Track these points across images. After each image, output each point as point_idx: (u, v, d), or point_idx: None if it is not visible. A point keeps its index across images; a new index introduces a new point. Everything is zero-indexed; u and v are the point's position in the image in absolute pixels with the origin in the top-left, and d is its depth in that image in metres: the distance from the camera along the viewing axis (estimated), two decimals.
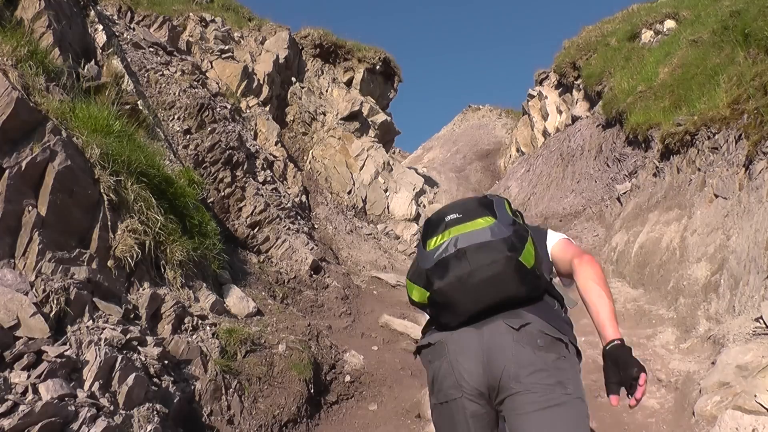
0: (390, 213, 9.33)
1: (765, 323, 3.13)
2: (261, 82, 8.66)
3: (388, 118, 11.25)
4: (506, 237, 1.52)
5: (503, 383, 1.42)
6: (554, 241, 1.76)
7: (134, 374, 2.29)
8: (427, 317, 1.71)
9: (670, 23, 10.08)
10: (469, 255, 1.51)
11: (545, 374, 1.42)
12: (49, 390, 1.89)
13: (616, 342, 1.45)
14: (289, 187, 7.31)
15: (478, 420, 1.48)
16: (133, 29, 6.69)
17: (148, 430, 2.18)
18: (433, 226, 1.64)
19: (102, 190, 2.82)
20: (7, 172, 2.31)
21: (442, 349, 1.53)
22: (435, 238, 1.59)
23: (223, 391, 2.83)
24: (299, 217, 6.63)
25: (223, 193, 5.48)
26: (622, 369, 1.44)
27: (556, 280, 1.74)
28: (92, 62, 4.13)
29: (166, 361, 2.65)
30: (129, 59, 5.55)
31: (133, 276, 2.90)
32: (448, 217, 1.61)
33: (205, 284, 3.56)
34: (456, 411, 1.48)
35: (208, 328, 3.16)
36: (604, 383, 1.48)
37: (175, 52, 6.86)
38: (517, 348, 1.44)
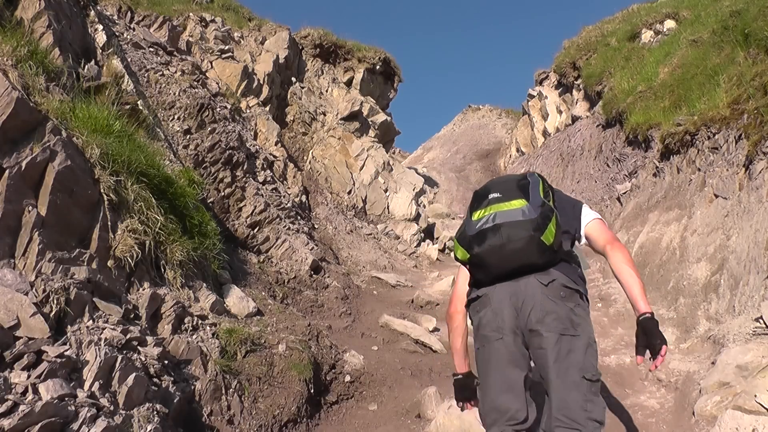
0: (390, 213, 9.33)
1: (765, 323, 3.13)
2: (261, 82, 8.66)
3: (388, 118, 11.25)
4: (533, 218, 1.94)
5: (531, 325, 1.88)
6: (588, 219, 2.14)
7: (134, 374, 2.29)
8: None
9: (670, 23, 10.08)
10: (503, 230, 1.94)
11: (564, 319, 1.88)
12: (49, 390, 1.89)
13: (647, 315, 1.89)
14: (289, 187, 7.31)
15: (512, 355, 1.91)
16: (133, 29, 6.69)
17: (148, 430, 2.18)
18: (479, 199, 2.08)
19: (102, 190, 2.82)
20: (7, 172, 2.31)
21: (487, 300, 1.98)
22: (479, 211, 2.03)
23: (223, 391, 2.83)
24: (299, 217, 6.63)
25: (223, 193, 5.48)
26: (649, 337, 1.87)
27: (579, 245, 2.14)
28: (92, 62, 4.13)
29: (166, 361, 2.65)
30: (129, 59, 5.55)
31: (133, 276, 2.90)
32: (491, 195, 2.05)
33: (205, 284, 3.56)
34: (497, 349, 1.92)
35: (208, 328, 3.16)
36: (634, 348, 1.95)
37: (175, 52, 6.86)
38: (544, 298, 1.89)
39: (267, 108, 8.37)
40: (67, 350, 2.10)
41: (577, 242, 2.12)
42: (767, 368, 2.85)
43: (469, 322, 2.15)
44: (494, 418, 1.93)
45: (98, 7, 5.57)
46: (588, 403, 1.83)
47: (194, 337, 2.99)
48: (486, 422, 1.98)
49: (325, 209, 7.94)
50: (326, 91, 10.55)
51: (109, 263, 2.75)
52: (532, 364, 1.96)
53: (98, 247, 2.70)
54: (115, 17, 6.68)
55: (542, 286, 1.91)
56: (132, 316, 2.73)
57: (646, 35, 10.41)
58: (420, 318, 4.91)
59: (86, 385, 2.10)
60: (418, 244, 8.83)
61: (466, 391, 2.24)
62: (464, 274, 2.21)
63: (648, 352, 1.87)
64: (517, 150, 16.52)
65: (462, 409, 2.28)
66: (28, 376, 1.92)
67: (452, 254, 2.29)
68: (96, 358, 2.18)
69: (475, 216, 2.04)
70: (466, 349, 2.24)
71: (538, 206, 1.98)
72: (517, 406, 1.90)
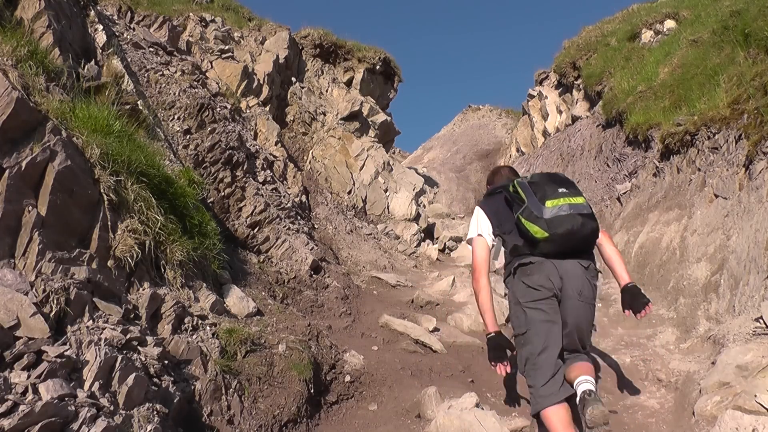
0: (390, 213, 9.33)
1: (765, 323, 3.13)
2: (261, 82, 8.65)
3: (388, 118, 11.25)
4: (592, 213, 2.65)
5: (568, 292, 2.57)
6: None
7: (134, 374, 2.29)
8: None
9: (670, 23, 10.08)
10: (579, 218, 2.55)
11: (592, 294, 2.64)
12: (49, 390, 1.89)
13: (631, 284, 2.72)
14: (289, 187, 7.31)
15: (554, 305, 2.58)
16: (133, 29, 6.69)
17: (148, 430, 2.18)
18: (548, 192, 2.61)
19: (102, 190, 2.82)
20: (7, 172, 2.31)
21: (542, 267, 2.59)
22: (553, 200, 2.57)
23: (223, 391, 2.83)
24: (299, 217, 6.63)
25: (223, 193, 5.48)
26: (635, 299, 2.66)
27: None
28: (92, 62, 4.13)
29: (166, 361, 2.65)
30: (129, 59, 5.55)
31: (133, 276, 2.90)
32: (560, 189, 2.62)
33: (205, 284, 3.56)
34: (545, 303, 2.58)
35: (208, 328, 3.16)
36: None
37: (175, 52, 6.86)
38: (582, 276, 2.60)
39: (267, 108, 8.37)
40: (67, 350, 2.10)
41: None
42: (767, 368, 2.85)
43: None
44: (552, 376, 2.54)
45: (98, 7, 5.57)
46: (592, 339, 2.86)
47: (194, 337, 2.99)
48: (534, 371, 2.58)
49: (325, 209, 7.94)
50: (326, 91, 10.55)
51: (109, 263, 2.75)
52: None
53: (98, 247, 2.70)
54: (115, 17, 6.68)
55: (583, 268, 2.62)
56: (132, 316, 2.73)
57: (646, 35, 10.41)
58: (420, 318, 4.91)
59: (86, 385, 2.10)
60: (418, 244, 8.83)
61: (499, 350, 2.66)
62: (483, 245, 2.80)
63: (632, 310, 2.67)
64: (517, 150, 16.51)
65: (497, 370, 2.66)
66: (28, 376, 1.92)
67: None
68: (96, 358, 2.18)
69: (549, 204, 2.56)
70: (494, 308, 2.79)
71: (587, 203, 2.67)
72: (561, 363, 2.59)
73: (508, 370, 2.64)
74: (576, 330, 2.60)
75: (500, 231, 2.80)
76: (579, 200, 2.61)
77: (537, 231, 2.56)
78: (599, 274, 2.97)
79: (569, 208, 2.56)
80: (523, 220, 2.62)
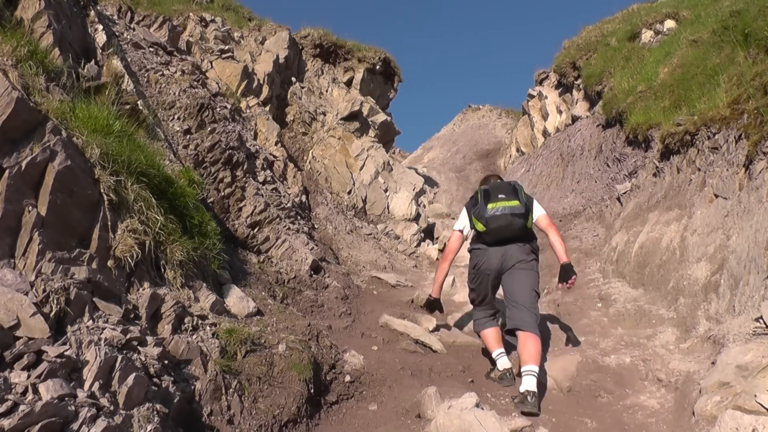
0: (390, 213, 9.33)
1: (765, 323, 3.13)
2: (261, 82, 8.65)
3: (388, 118, 11.25)
4: (523, 212, 3.73)
5: (509, 265, 3.76)
6: (539, 213, 3.94)
7: (134, 374, 2.29)
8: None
9: (670, 23, 10.08)
10: (509, 217, 3.70)
11: (526, 264, 3.76)
12: (49, 390, 1.89)
13: (567, 263, 3.79)
14: (289, 187, 7.31)
15: (493, 281, 3.87)
16: (133, 29, 6.69)
17: (148, 430, 2.18)
18: (491, 197, 3.79)
19: (102, 190, 2.82)
20: (7, 172, 2.31)
21: (486, 252, 3.85)
22: (493, 204, 3.73)
23: (223, 391, 2.83)
24: (299, 217, 6.63)
25: (223, 193, 5.48)
26: (566, 273, 3.76)
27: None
28: (92, 62, 4.13)
29: (166, 361, 2.65)
30: (129, 59, 5.55)
31: (133, 276, 2.90)
32: (500, 196, 3.76)
33: (205, 284, 3.56)
34: (485, 278, 3.88)
35: (208, 328, 3.16)
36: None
37: (175, 52, 6.86)
38: (519, 253, 3.75)
39: (267, 108, 8.37)
40: (67, 350, 2.10)
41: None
42: (767, 368, 2.85)
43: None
44: (485, 310, 4.07)
45: (98, 7, 5.57)
46: (534, 300, 3.73)
47: (194, 337, 2.99)
48: (479, 311, 4.09)
49: (325, 209, 7.93)
50: (326, 91, 10.55)
51: (109, 263, 2.75)
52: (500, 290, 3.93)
53: (98, 247, 2.70)
54: (115, 17, 6.68)
55: (519, 248, 3.77)
56: (132, 316, 2.73)
57: (646, 35, 10.41)
58: (420, 318, 4.91)
59: (86, 385, 2.10)
60: (418, 244, 8.83)
61: (434, 308, 4.53)
62: (457, 238, 4.12)
63: (565, 281, 3.75)
64: (517, 150, 16.51)
65: (431, 313, 4.68)
66: (28, 376, 1.92)
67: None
68: (96, 358, 2.18)
69: (491, 207, 3.74)
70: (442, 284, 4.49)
71: (524, 204, 3.77)
72: (495, 304, 4.07)
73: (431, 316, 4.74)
74: (515, 288, 3.73)
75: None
76: (514, 203, 3.72)
77: (480, 226, 3.81)
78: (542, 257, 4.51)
79: (503, 209, 3.71)
80: (473, 218, 3.87)
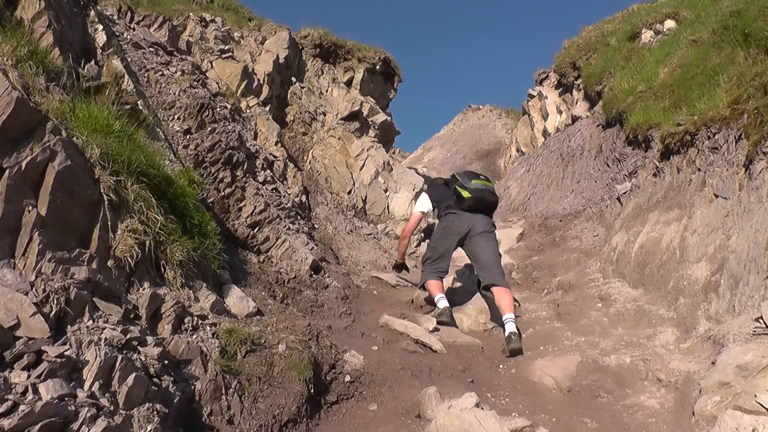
0: (390, 213, 9.33)
1: (765, 323, 3.12)
2: (261, 82, 8.65)
3: (388, 118, 11.24)
4: (495, 195, 5.07)
5: (476, 231, 4.85)
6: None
7: (134, 374, 2.29)
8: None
9: (670, 23, 10.08)
10: (488, 193, 4.93)
11: (490, 234, 4.91)
12: (49, 390, 1.89)
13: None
14: (289, 187, 7.31)
15: (458, 241, 4.95)
16: (133, 29, 6.69)
17: (148, 430, 2.18)
18: (474, 176, 5.00)
19: (102, 190, 2.82)
20: (7, 172, 2.31)
21: (461, 217, 4.91)
22: (477, 180, 4.93)
23: (223, 391, 2.83)
24: (299, 217, 6.62)
25: (223, 193, 5.48)
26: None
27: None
28: (92, 62, 4.13)
29: (166, 361, 2.65)
30: (129, 59, 5.55)
31: (133, 276, 2.90)
32: (481, 177, 5.04)
33: (205, 284, 3.55)
34: (453, 237, 4.93)
35: (208, 328, 3.16)
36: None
37: (175, 52, 6.86)
38: (485, 223, 4.90)
39: (267, 108, 8.37)
40: (67, 350, 2.10)
41: None
42: (767, 368, 2.85)
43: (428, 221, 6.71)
44: (438, 267, 5.02)
45: (98, 7, 5.57)
46: (500, 262, 4.82)
47: (194, 337, 2.99)
48: (429, 263, 5.06)
49: (325, 209, 7.93)
50: (326, 91, 10.55)
51: (109, 263, 2.75)
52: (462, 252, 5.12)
53: (98, 247, 2.70)
54: (115, 17, 6.68)
55: (486, 219, 4.92)
56: (132, 316, 2.73)
57: (646, 35, 10.40)
58: (420, 318, 4.91)
59: (86, 385, 2.10)
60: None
61: (401, 269, 5.83)
62: (417, 218, 5.34)
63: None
64: (517, 150, 16.51)
65: (394, 272, 6.08)
66: (28, 376, 1.92)
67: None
68: (96, 358, 2.18)
69: (475, 182, 4.91)
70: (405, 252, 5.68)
71: (494, 188, 5.09)
72: (447, 267, 5.10)
73: (397, 277, 6.10)
74: (487, 256, 4.74)
75: (437, 203, 5.16)
76: (489, 185, 5.00)
77: (465, 193, 4.85)
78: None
79: (484, 186, 4.93)
80: (458, 188, 4.92)
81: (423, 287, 5.12)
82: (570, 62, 12.87)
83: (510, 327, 4.27)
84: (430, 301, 5.13)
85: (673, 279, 4.52)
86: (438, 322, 4.67)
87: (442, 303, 4.82)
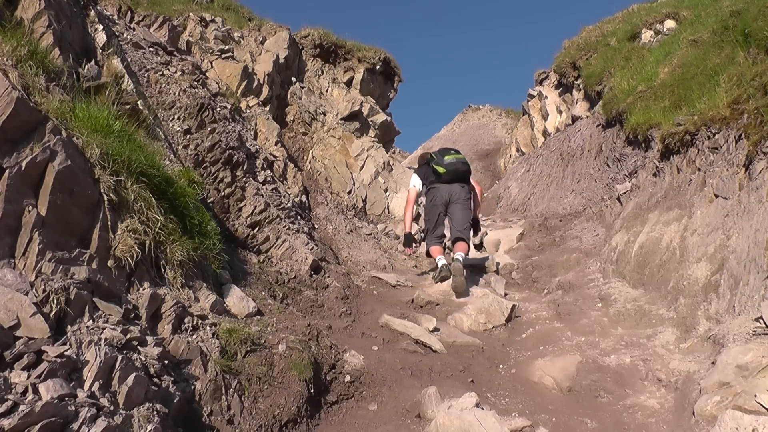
0: (390, 213, 9.33)
1: (765, 323, 3.12)
2: (261, 82, 8.65)
3: (388, 118, 11.24)
4: (467, 164, 6.24)
5: (453, 199, 6.06)
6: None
7: (134, 374, 2.29)
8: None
9: (670, 23, 10.08)
10: (459, 164, 6.11)
11: (466, 200, 6.12)
12: (49, 390, 1.89)
13: (475, 218, 6.39)
14: (289, 187, 7.31)
15: (443, 210, 6.13)
16: (133, 29, 6.69)
17: (148, 430, 2.18)
18: (447, 153, 6.19)
19: (102, 190, 2.82)
20: (7, 172, 2.31)
21: (440, 188, 6.11)
22: (449, 156, 6.10)
23: (223, 391, 2.83)
24: (299, 217, 6.62)
25: (223, 193, 5.48)
26: (477, 225, 6.52)
27: None
28: (92, 62, 4.13)
29: (166, 361, 2.65)
30: (129, 59, 5.55)
31: (133, 276, 2.90)
32: (452, 151, 6.23)
33: (205, 284, 3.56)
34: (439, 206, 6.12)
35: (208, 328, 3.16)
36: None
37: (175, 52, 6.86)
38: (461, 191, 6.09)
39: (267, 108, 8.37)
40: (67, 350, 2.10)
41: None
42: (767, 368, 2.85)
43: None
44: (435, 234, 6.15)
45: (98, 7, 5.57)
46: (468, 224, 6.11)
47: (194, 337, 2.99)
48: (430, 236, 6.19)
49: (325, 209, 7.93)
50: (326, 91, 10.55)
51: (109, 263, 2.75)
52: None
53: (98, 247, 2.70)
54: (115, 17, 6.68)
55: (462, 187, 6.08)
56: (132, 316, 2.73)
57: (646, 35, 10.41)
58: (420, 318, 4.91)
59: (86, 385, 2.10)
60: (419, 244, 8.82)
61: (408, 241, 6.43)
62: (414, 192, 6.38)
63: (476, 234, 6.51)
64: (517, 150, 16.51)
65: (406, 251, 7.03)
66: (28, 376, 1.92)
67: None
68: (96, 358, 2.18)
69: (447, 158, 6.02)
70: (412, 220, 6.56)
71: (467, 161, 6.25)
72: (443, 231, 6.22)
73: (409, 252, 7.00)
74: (459, 218, 5.96)
75: (424, 179, 6.28)
76: (460, 156, 6.10)
77: (441, 169, 5.98)
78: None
79: (455, 159, 6.00)
80: (435, 166, 6.06)
81: (428, 254, 6.31)
82: (570, 62, 12.88)
83: (455, 259, 5.62)
84: (434, 267, 6.34)
85: (673, 279, 4.52)
86: (440, 279, 5.82)
87: (441, 262, 5.94)
